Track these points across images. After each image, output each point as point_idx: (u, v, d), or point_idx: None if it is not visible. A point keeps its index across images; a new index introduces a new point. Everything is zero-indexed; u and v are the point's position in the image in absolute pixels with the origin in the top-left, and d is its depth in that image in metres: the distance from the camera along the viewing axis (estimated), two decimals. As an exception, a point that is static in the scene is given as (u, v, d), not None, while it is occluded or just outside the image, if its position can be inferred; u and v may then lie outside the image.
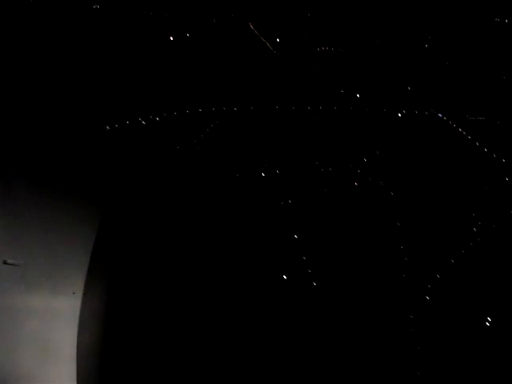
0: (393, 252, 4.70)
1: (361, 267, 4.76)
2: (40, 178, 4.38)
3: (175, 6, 4.40)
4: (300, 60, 4.75)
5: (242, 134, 4.76)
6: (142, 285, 4.73)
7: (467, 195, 4.75)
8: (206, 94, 4.64)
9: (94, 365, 4.52)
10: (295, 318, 4.68)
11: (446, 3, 4.74)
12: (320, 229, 4.79)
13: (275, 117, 4.68)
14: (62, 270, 4.42)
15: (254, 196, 4.76)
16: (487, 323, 4.50)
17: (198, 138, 4.62)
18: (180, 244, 4.82)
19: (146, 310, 4.70)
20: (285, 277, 4.71)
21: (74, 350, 4.42)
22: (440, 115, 4.84)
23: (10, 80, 4.15)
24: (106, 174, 4.68)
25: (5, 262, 4.13)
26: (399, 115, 4.77)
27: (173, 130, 4.57)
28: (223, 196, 4.79)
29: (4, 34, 4.01)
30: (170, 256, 4.80)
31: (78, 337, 4.43)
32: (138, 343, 4.64)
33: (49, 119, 4.36)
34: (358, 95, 4.78)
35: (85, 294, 4.50)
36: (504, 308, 4.56)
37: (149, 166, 4.71)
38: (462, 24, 4.82)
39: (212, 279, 4.73)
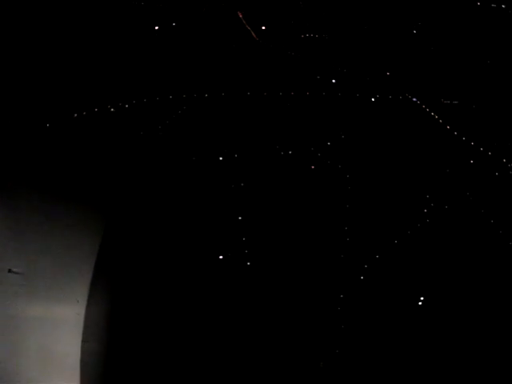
0: (336, 233, 4.75)
1: (301, 248, 4.81)
2: (44, 186, 4.41)
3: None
4: (281, 47, 4.84)
5: (207, 119, 4.85)
6: (147, 292, 4.73)
7: (427, 177, 4.78)
8: (176, 81, 4.74)
9: (98, 373, 4.51)
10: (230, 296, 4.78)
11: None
12: (268, 211, 4.86)
13: (245, 103, 4.78)
14: (66, 278, 4.44)
15: (208, 179, 4.84)
16: (419, 303, 4.53)
17: (163, 123, 4.71)
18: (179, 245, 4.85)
19: (150, 318, 4.69)
20: (221, 257, 4.78)
21: (78, 358, 4.42)
22: (414, 99, 4.88)
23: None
24: (108, 180, 4.70)
25: (9, 271, 4.14)
26: (372, 100, 4.85)
27: (139, 116, 4.66)
28: (179, 179, 4.84)
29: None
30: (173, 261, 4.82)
31: (82, 345, 4.43)
32: (142, 351, 4.63)
33: (48, 124, 4.40)
34: (333, 80, 4.86)
35: (89, 302, 4.50)
36: (439, 289, 4.59)
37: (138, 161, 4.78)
38: (438, 9, 4.89)
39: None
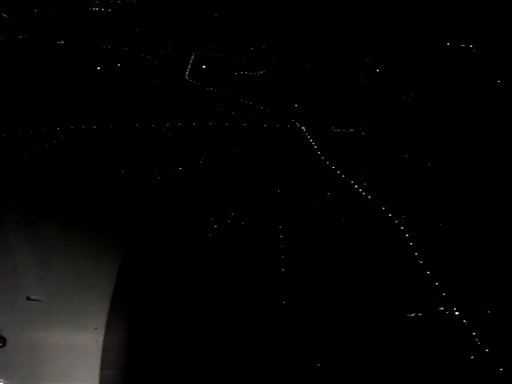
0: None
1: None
2: (64, 216, 4.84)
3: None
4: (204, 82, 5.78)
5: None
6: (164, 319, 4.65)
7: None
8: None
9: (116, 400, 4.41)
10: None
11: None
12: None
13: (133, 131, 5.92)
14: (85, 305, 4.62)
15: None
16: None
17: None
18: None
19: (168, 345, 4.54)
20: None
21: (97, 384, 4.41)
22: (303, 128, 5.58)
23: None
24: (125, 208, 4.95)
25: (28, 298, 4.48)
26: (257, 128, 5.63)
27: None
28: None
29: None
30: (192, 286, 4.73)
31: (101, 371, 4.44)
32: (160, 378, 4.42)
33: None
34: (232, 112, 5.73)
35: (107, 330, 4.57)
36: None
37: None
38: (337, 39, 6.37)
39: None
